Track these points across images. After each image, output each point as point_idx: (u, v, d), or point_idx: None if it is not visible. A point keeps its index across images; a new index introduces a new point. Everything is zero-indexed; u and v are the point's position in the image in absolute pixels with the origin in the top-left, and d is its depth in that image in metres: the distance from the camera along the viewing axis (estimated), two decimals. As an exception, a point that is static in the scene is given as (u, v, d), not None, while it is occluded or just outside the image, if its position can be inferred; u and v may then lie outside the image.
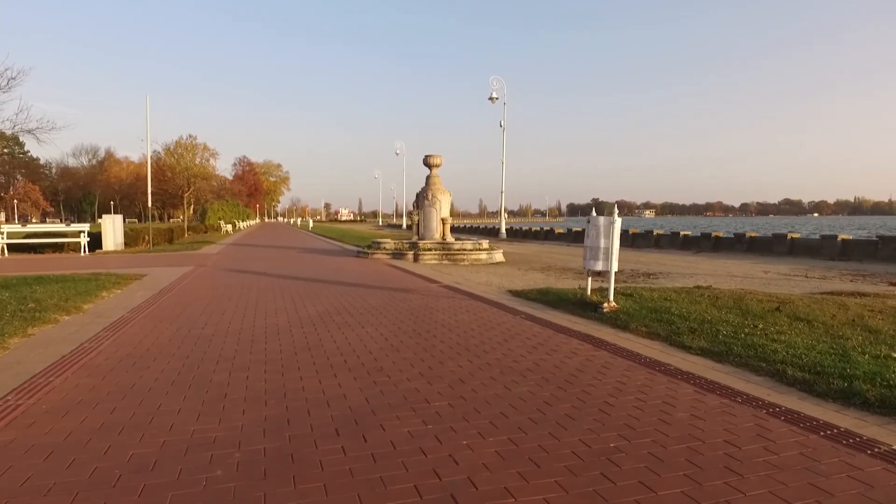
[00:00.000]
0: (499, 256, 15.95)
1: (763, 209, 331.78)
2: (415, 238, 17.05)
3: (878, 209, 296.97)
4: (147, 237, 20.38)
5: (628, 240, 25.34)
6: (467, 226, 51.49)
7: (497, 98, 34.60)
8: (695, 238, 22.16)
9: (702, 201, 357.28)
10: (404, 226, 61.80)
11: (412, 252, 15.73)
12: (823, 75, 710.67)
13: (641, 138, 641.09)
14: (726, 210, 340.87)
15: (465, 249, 15.79)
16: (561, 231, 31.56)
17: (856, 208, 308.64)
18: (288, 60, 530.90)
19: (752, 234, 19.78)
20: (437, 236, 16.92)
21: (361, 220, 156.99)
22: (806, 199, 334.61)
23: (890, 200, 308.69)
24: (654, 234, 24.08)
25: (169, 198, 48.40)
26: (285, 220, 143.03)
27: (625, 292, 8.48)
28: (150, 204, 19.70)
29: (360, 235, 34.45)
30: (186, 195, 35.72)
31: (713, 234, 21.53)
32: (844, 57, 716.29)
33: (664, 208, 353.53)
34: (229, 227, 42.46)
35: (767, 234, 19.48)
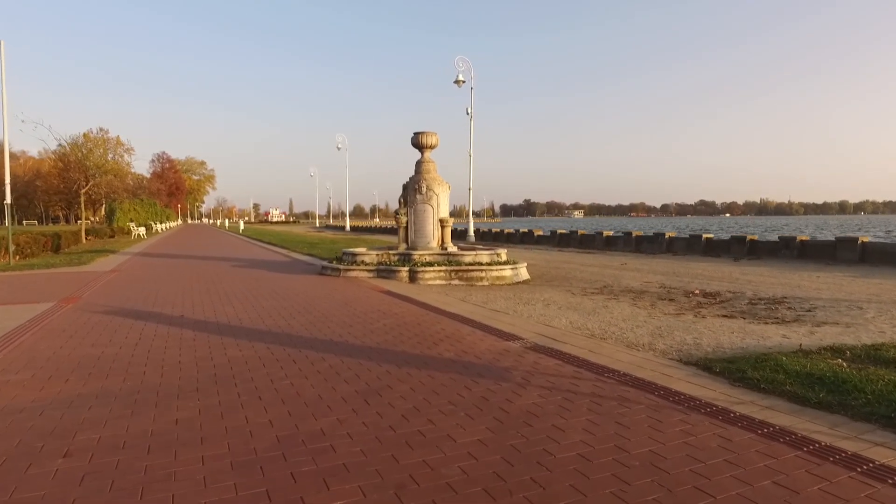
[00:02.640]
0: (524, 272, 11.53)
1: (682, 210, 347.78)
2: (402, 247, 12.30)
3: (780, 210, 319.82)
4: (5, 247, 14.26)
5: (631, 244, 21.66)
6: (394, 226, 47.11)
7: (464, 81, 30.32)
8: (723, 241, 18.70)
9: (626, 202, 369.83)
10: (348, 227, 56.34)
11: (406, 268, 11.00)
12: (730, 82, 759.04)
13: (570, 141, 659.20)
14: (648, 210, 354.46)
15: (481, 264, 11.22)
16: (541, 233, 27.63)
17: (761, 209, 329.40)
18: (217, 56, 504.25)
19: (803, 238, 16.46)
20: (435, 244, 12.27)
21: (294, 222, 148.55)
22: (719, 201, 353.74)
23: (789, 202, 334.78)
24: (667, 236, 20.47)
25: (75, 197, 40.96)
26: (210, 221, 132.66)
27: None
28: (7, 199, 13.65)
29: (305, 240, 29.02)
30: (84, 191, 28.94)
31: (748, 237, 18.10)
32: (745, 64, 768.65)
33: (592, 209, 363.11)
34: (142, 230, 35.67)
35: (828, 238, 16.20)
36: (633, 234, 21.95)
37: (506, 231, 30.52)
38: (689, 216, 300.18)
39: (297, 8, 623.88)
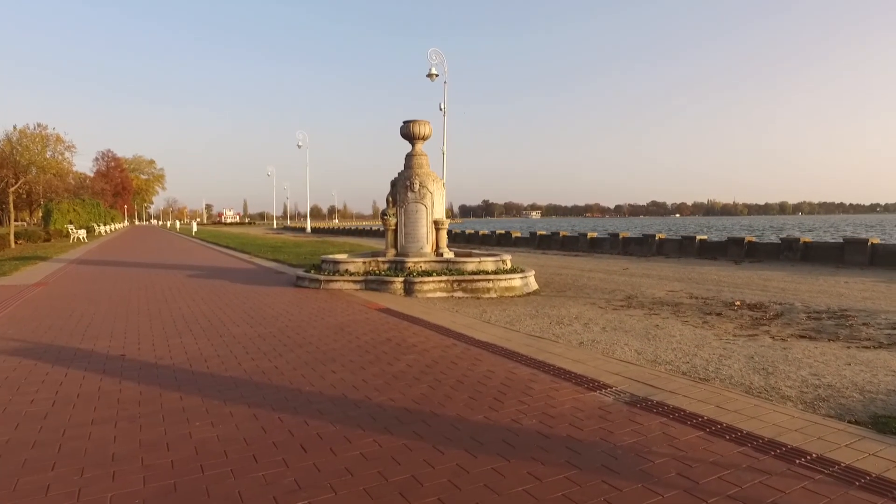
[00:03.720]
0: (533, 281, 10.05)
1: (634, 210, 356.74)
2: (391, 252, 10.62)
3: (726, 210, 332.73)
4: None
5: (618, 246, 20.57)
6: (370, 227, 45.02)
7: (437, 75, 28.78)
8: (718, 243, 17.75)
9: (581, 203, 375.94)
10: (308, 228, 53.79)
11: (400, 278, 9.32)
12: (679, 88, 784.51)
13: (527, 142, 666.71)
14: (603, 211, 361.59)
15: (486, 273, 9.66)
16: (519, 235, 26.32)
17: (708, 210, 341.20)
18: (168, 52, 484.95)
19: (806, 240, 15.61)
20: (429, 249, 10.64)
21: (250, 223, 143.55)
22: (669, 202, 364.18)
23: (734, 202, 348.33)
24: (657, 238, 19.41)
25: (3, 196, 37.19)
26: (160, 222, 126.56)
27: None
28: None
29: (266, 243, 26.82)
30: (13, 190, 25.77)
31: (746, 238, 17.19)
32: (692, 70, 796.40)
33: (549, 209, 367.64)
34: (82, 232, 32.49)
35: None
36: (621, 236, 20.87)
37: (480, 232, 29.09)
38: (641, 216, 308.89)
39: (249, 2, 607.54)
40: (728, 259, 16.90)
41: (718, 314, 7.64)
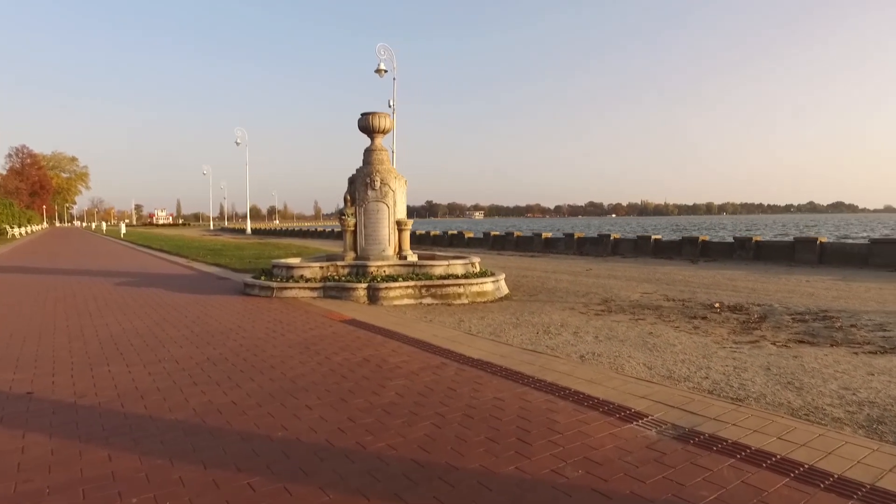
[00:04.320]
0: (504, 286, 9.44)
1: (573, 210, 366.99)
2: (350, 255, 9.73)
3: (658, 210, 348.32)
4: None
5: (573, 246, 20.40)
6: (314, 228, 43.36)
7: (386, 71, 27.90)
8: (673, 243, 17.79)
9: (523, 203, 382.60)
10: (249, 230, 51.39)
11: (363, 284, 8.46)
12: (615, 91, 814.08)
13: (470, 143, 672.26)
14: (543, 211, 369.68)
15: (456, 277, 8.96)
16: (472, 235, 25.80)
17: (642, 210, 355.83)
18: (98, 47, 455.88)
19: (758, 239, 15.83)
20: (391, 251, 9.83)
21: (184, 224, 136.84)
22: (605, 202, 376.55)
23: (666, 203, 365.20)
24: (612, 238, 19.30)
25: None
26: (84, 224, 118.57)
27: None
28: None
29: (204, 246, 25.08)
30: None
31: (700, 238, 17.31)
32: (627, 74, 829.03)
33: (492, 210, 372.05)
34: (-7, 235, 29.40)
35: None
36: (576, 236, 20.72)
37: (431, 233, 28.39)
38: (579, 217, 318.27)
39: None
40: (684, 258, 16.97)
41: (703, 318, 7.28)
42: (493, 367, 4.51)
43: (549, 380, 4.16)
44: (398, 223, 9.95)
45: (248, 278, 9.40)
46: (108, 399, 3.74)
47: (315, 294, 8.59)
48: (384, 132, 10.22)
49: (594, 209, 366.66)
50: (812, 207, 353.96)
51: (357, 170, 10.18)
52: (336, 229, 40.93)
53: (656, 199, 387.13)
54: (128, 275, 12.74)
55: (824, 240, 14.64)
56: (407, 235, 10.11)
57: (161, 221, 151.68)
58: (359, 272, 9.04)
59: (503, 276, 9.50)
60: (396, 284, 8.36)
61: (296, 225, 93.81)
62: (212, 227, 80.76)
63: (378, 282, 8.50)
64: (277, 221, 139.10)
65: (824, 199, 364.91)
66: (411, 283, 8.46)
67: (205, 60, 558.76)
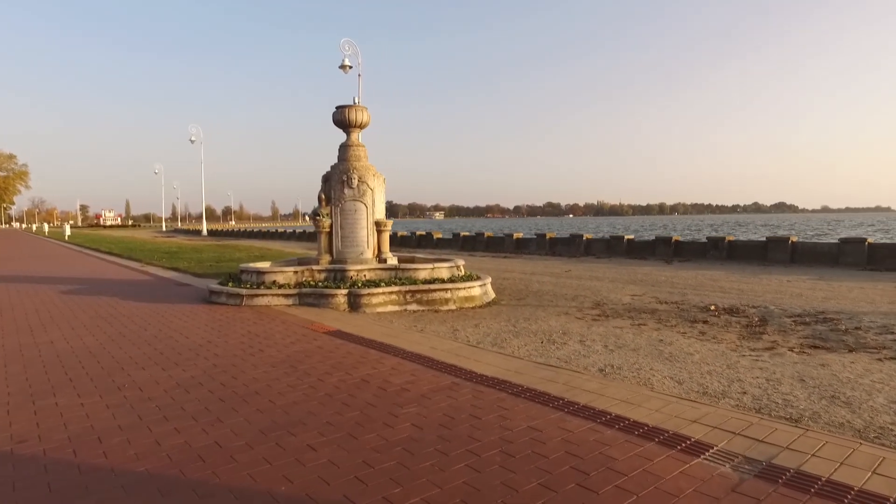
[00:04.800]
0: (490, 289, 8.94)
1: (532, 211, 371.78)
2: (325, 259, 9.03)
3: (614, 211, 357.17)
4: None
5: (545, 247, 20.15)
6: (274, 229, 41.93)
7: (350, 66, 27.03)
8: (647, 243, 17.71)
9: (483, 204, 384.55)
10: (205, 231, 49.37)
11: (343, 290, 7.79)
12: (572, 93, 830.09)
13: (429, 144, 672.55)
14: (503, 212, 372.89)
15: (442, 281, 8.39)
16: (441, 236, 25.26)
17: (598, 210, 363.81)
18: (38, 42, 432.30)
19: (731, 239, 15.89)
20: (370, 254, 9.19)
21: (134, 226, 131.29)
22: (563, 203, 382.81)
23: (621, 203, 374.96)
24: (584, 238, 19.11)
25: None
26: (24, 225, 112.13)
27: None
28: None
29: (158, 248, 23.69)
30: None
31: (673, 238, 17.25)
32: (584, 77, 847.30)
33: (452, 210, 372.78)
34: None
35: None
36: (548, 237, 20.48)
37: (399, 234, 27.70)
38: (538, 217, 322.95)
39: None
40: (658, 258, 16.90)
41: (704, 321, 6.97)
42: (512, 387, 3.97)
43: (581, 402, 3.66)
44: (377, 224, 9.32)
45: (214, 285, 8.57)
46: (55, 444, 3.01)
47: (290, 301, 7.87)
48: (361, 126, 9.56)
49: (552, 209, 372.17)
50: (757, 208, 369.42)
51: (332, 166, 9.49)
52: (298, 230, 39.66)
53: (611, 199, 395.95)
54: (75, 281, 11.63)
55: (795, 239, 14.78)
56: (387, 237, 9.48)
57: (109, 223, 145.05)
58: (337, 277, 8.36)
59: (489, 279, 9.00)
60: (379, 290, 7.73)
61: (253, 226, 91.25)
62: (164, 228, 77.52)
63: (359, 287, 7.85)
64: (233, 222, 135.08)
65: (768, 200, 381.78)
66: (395, 288, 7.85)
67: (154, 56, 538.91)
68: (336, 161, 9.55)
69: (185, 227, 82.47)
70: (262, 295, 7.87)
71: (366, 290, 7.66)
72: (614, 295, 9.29)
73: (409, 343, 5.47)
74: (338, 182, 9.11)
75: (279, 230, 41.72)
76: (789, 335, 6.12)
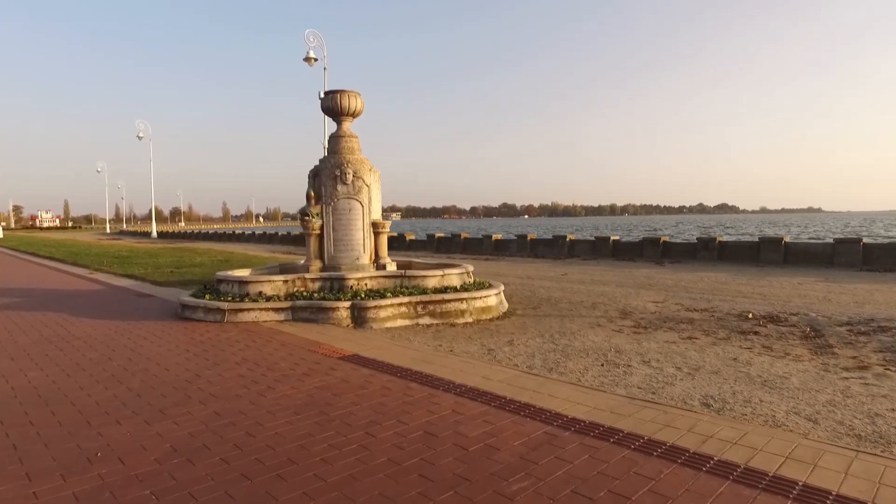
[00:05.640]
0: (504, 299, 8.01)
1: (488, 212, 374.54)
2: (317, 265, 7.88)
3: (567, 211, 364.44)
4: None
5: (526, 248, 19.40)
6: (232, 231, 39.78)
7: (315, 59, 25.72)
8: (634, 244, 17.20)
9: (439, 205, 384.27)
10: (154, 233, 46.49)
11: (346, 303, 6.67)
12: (527, 96, 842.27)
13: (384, 144, 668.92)
14: (460, 213, 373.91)
15: (456, 290, 7.40)
16: (413, 237, 24.19)
17: (552, 211, 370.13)
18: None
19: (721, 240, 15.50)
20: (367, 259, 8.10)
21: (75, 227, 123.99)
22: (518, 204, 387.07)
23: (573, 204, 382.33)
24: (568, 239, 18.47)
25: None
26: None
27: None
28: None
29: (107, 252, 21.69)
30: None
31: (661, 239, 16.79)
32: (539, 79, 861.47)
33: (408, 211, 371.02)
34: None
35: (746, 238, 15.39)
36: (529, 238, 19.75)
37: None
38: (494, 217, 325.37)
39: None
40: (647, 260, 16.38)
41: (754, 332, 6.28)
42: (629, 439, 3.03)
43: (735, 460, 2.74)
44: (374, 225, 8.24)
45: (186, 297, 7.27)
46: None
47: (281, 317, 6.70)
48: (354, 115, 8.46)
49: (508, 210, 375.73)
50: (702, 209, 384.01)
51: (321, 160, 8.34)
52: (258, 232, 37.75)
53: (565, 200, 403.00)
54: (10, 292, 10.00)
55: (788, 240, 14.52)
56: (384, 240, 8.41)
57: (46, 224, 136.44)
58: (334, 286, 7.24)
59: (503, 287, 8.06)
60: (387, 302, 6.66)
61: (205, 227, 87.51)
62: (108, 230, 73.17)
63: (363, 299, 6.76)
64: (183, 223, 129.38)
65: (712, 202, 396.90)
66: (404, 299, 6.80)
67: (95, 50, 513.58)
68: (325, 154, 8.42)
69: (131, 228, 78.17)
70: (248, 309, 6.66)
71: (372, 303, 6.58)
72: (634, 301, 8.53)
73: (449, 370, 4.46)
74: (329, 178, 7.97)
75: (236, 232, 39.61)
76: (861, 349, 5.46)
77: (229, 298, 6.94)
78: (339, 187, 7.96)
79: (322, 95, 8.36)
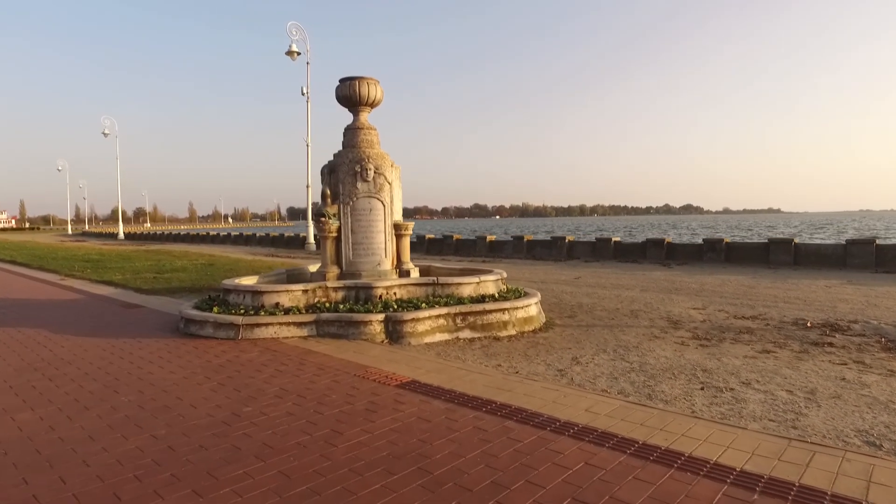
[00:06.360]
0: (540, 307, 7.30)
1: (460, 212, 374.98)
2: (334, 271, 7.05)
3: (538, 212, 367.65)
4: None
5: (522, 250, 18.82)
6: (206, 232, 38.10)
7: (298, 53, 24.65)
8: (636, 245, 16.74)
9: (411, 206, 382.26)
10: (121, 234, 44.36)
11: (379, 316, 5.84)
12: (498, 98, 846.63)
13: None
14: (432, 213, 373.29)
15: (494, 299, 6.66)
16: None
17: (523, 212, 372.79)
18: None
19: (728, 241, 15.15)
20: (388, 265, 7.30)
21: (33, 229, 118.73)
22: (490, 205, 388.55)
23: (544, 205, 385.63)
24: (567, 240, 17.95)
25: None
26: None
27: None
28: None
29: (74, 255, 20.27)
30: None
31: (665, 240, 16.36)
32: (511, 81, 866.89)
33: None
34: None
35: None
36: (525, 239, 19.15)
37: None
38: (466, 218, 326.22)
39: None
40: (651, 261, 15.92)
41: (830, 344, 5.75)
42: (806, 495, 2.35)
43: None
44: (396, 227, 7.46)
45: (190, 310, 6.33)
46: None
47: (304, 332, 5.84)
48: (373, 105, 7.65)
49: (479, 211, 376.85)
50: (668, 209, 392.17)
51: (336, 155, 7.50)
52: (234, 233, 36.24)
53: (536, 201, 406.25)
54: (-25, 303, 8.82)
55: (797, 241, 14.22)
56: (407, 243, 7.63)
57: (2, 225, 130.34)
58: (359, 296, 6.41)
59: (539, 294, 7.35)
60: (425, 314, 5.87)
61: (173, 228, 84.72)
62: (70, 231, 69.99)
63: (396, 310, 5.96)
64: (148, 224, 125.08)
65: (677, 203, 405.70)
66: (442, 310, 6.02)
67: (53, 47, 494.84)
68: (341, 149, 7.58)
69: (95, 229, 74.95)
70: (267, 324, 5.78)
71: (409, 315, 5.78)
72: (673, 308, 7.95)
73: (538, 401, 3.72)
74: (348, 174, 7.14)
75: (210, 233, 37.98)
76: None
77: (242, 311, 6.05)
78: (360, 185, 7.14)
79: (338, 82, 7.51)
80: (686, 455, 2.86)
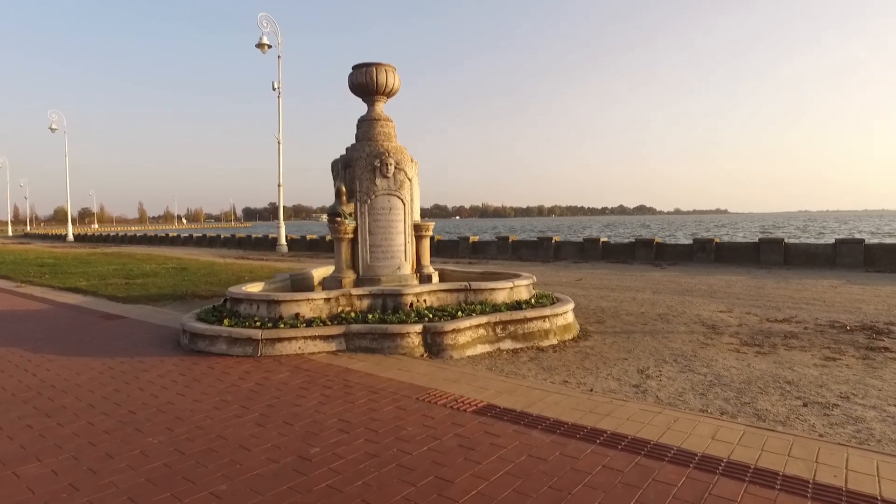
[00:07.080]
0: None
1: (420, 213, 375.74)
2: (350, 276, 6.40)
3: (497, 213, 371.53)
4: None
5: (507, 250, 18.43)
6: (165, 233, 36.18)
7: (269, 46, 23.62)
8: (625, 245, 16.57)
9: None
10: (71, 235, 41.72)
11: (417, 328, 5.23)
12: (461, 99, 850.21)
13: (317, 142, 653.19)
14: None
15: (530, 304, 6.13)
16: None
17: (483, 212, 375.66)
18: None
19: (717, 241, 15.11)
20: (409, 268, 6.69)
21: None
22: (450, 205, 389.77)
23: (503, 206, 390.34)
24: (554, 241, 17.66)
25: None
26: None
27: None
28: None
29: (25, 259, 18.69)
30: None
31: (655, 240, 16.23)
32: (469, 82, 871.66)
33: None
34: None
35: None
36: (511, 239, 18.77)
37: (327, 238, 24.52)
38: (426, 218, 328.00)
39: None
40: (641, 262, 15.76)
41: (885, 349, 5.50)
42: None
43: None
44: (416, 227, 6.87)
45: (196, 323, 5.53)
46: None
47: (332, 346, 5.16)
48: (390, 94, 7.02)
49: (440, 211, 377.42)
50: (622, 210, 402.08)
51: (349, 149, 6.84)
52: (196, 234, 34.46)
53: (495, 202, 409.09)
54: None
55: (787, 241, 14.31)
56: (427, 245, 7.05)
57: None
58: (387, 304, 5.77)
59: (572, 301, 6.86)
60: (465, 324, 5.29)
61: (123, 230, 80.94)
62: (11, 233, 65.76)
63: (433, 320, 5.36)
64: (96, 225, 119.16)
65: (631, 203, 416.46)
66: (482, 319, 5.45)
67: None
68: (355, 142, 6.91)
69: (39, 231, 70.67)
70: (290, 339, 5.07)
71: (450, 325, 5.19)
72: (700, 312, 7.65)
73: (652, 428, 3.22)
74: (366, 169, 6.49)
75: (170, 234, 36.09)
76: None
77: (258, 323, 5.31)
78: (379, 181, 6.50)
79: (351, 70, 6.84)
80: (880, 498, 2.40)
